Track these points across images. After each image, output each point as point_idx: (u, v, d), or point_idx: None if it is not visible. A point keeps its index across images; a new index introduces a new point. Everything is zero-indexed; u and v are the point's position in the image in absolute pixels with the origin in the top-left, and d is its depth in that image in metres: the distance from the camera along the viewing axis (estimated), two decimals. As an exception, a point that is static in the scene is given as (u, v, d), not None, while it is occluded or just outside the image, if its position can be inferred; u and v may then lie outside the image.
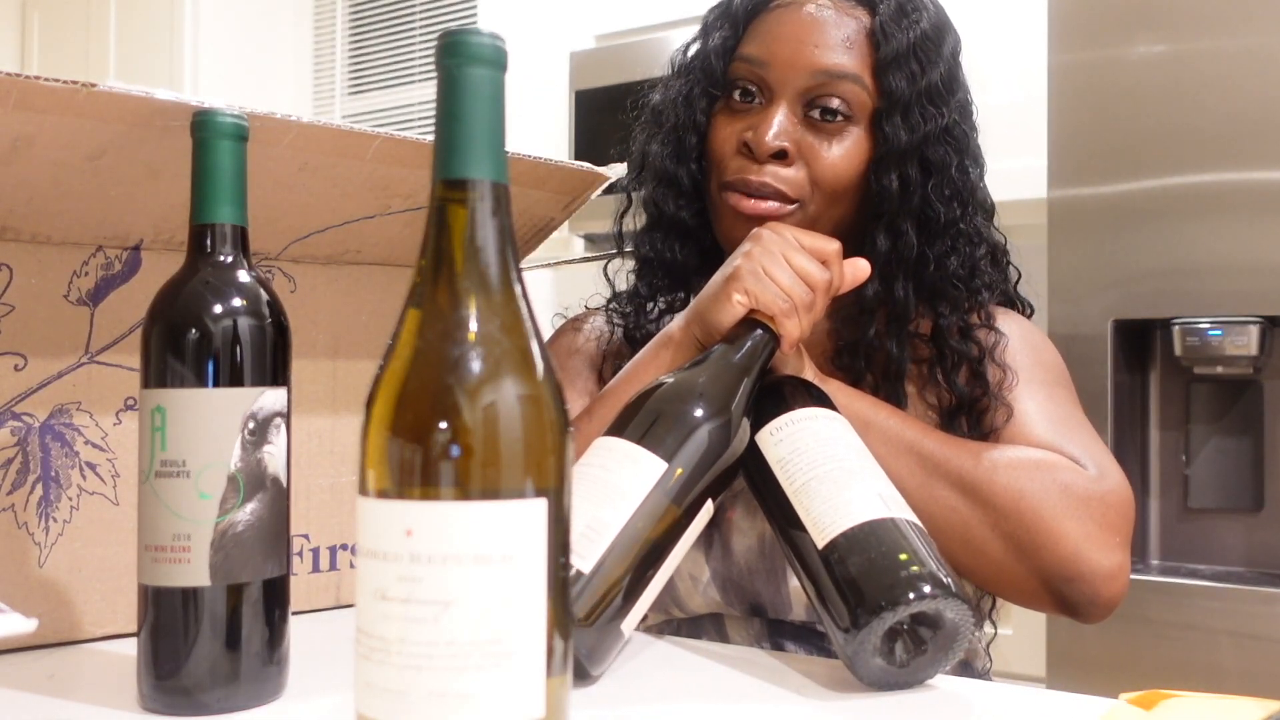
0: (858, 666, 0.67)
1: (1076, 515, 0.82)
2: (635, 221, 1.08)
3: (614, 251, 1.09)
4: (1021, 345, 0.97)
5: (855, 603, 0.66)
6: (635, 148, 1.05)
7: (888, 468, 0.77)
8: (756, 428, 0.76)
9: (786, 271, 0.82)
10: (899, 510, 0.70)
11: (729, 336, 0.81)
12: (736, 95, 0.95)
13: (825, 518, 0.69)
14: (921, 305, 0.96)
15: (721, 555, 0.90)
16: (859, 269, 0.88)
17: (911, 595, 0.65)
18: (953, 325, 0.95)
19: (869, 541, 0.67)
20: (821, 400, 0.78)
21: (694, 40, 1.02)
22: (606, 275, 1.08)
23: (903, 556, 0.66)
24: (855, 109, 0.92)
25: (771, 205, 0.92)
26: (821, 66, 0.92)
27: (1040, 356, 0.98)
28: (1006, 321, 0.99)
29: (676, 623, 0.96)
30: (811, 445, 0.73)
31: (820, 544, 0.68)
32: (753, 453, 0.75)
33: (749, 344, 0.79)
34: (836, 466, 0.72)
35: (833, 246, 0.85)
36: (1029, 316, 1.06)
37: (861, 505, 0.69)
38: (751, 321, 0.81)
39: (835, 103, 0.92)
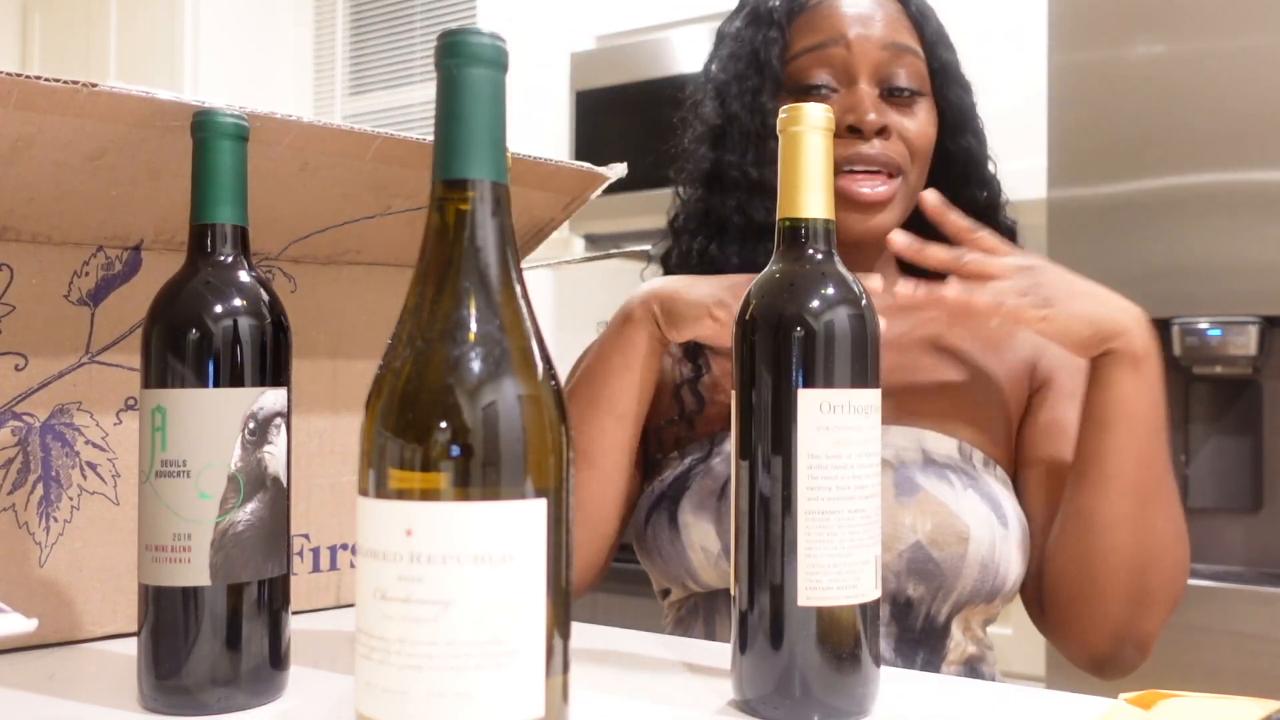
0: (751, 699, 0.64)
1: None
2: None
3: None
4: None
5: (807, 684, 0.62)
6: (692, 163, 1.05)
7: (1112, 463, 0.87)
8: (810, 365, 0.62)
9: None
10: (878, 584, 0.65)
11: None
12: (811, 90, 0.98)
13: (825, 575, 0.62)
14: None
15: (729, 528, 0.91)
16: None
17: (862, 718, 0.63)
18: None
19: (849, 626, 0.62)
20: (876, 371, 0.66)
21: (737, 54, 1.02)
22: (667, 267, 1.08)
23: (869, 670, 0.63)
24: (918, 82, 0.99)
25: (882, 190, 0.97)
26: (892, 39, 0.98)
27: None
28: None
29: (694, 598, 0.97)
30: (852, 460, 0.62)
31: (803, 599, 0.62)
32: (782, 392, 0.62)
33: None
34: (861, 508, 0.62)
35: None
36: None
37: (865, 580, 0.63)
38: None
39: (904, 78, 0.98)
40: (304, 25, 3.86)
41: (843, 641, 0.62)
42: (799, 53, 0.99)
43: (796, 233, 0.65)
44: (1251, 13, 1.59)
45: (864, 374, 0.63)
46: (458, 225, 0.48)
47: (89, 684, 0.72)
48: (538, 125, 2.83)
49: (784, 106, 0.67)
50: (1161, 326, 1.66)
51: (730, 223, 1.01)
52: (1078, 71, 1.70)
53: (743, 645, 0.64)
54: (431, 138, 0.50)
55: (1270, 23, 1.57)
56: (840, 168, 0.96)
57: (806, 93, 0.98)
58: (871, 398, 0.63)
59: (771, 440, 0.62)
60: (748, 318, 0.64)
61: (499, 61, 0.49)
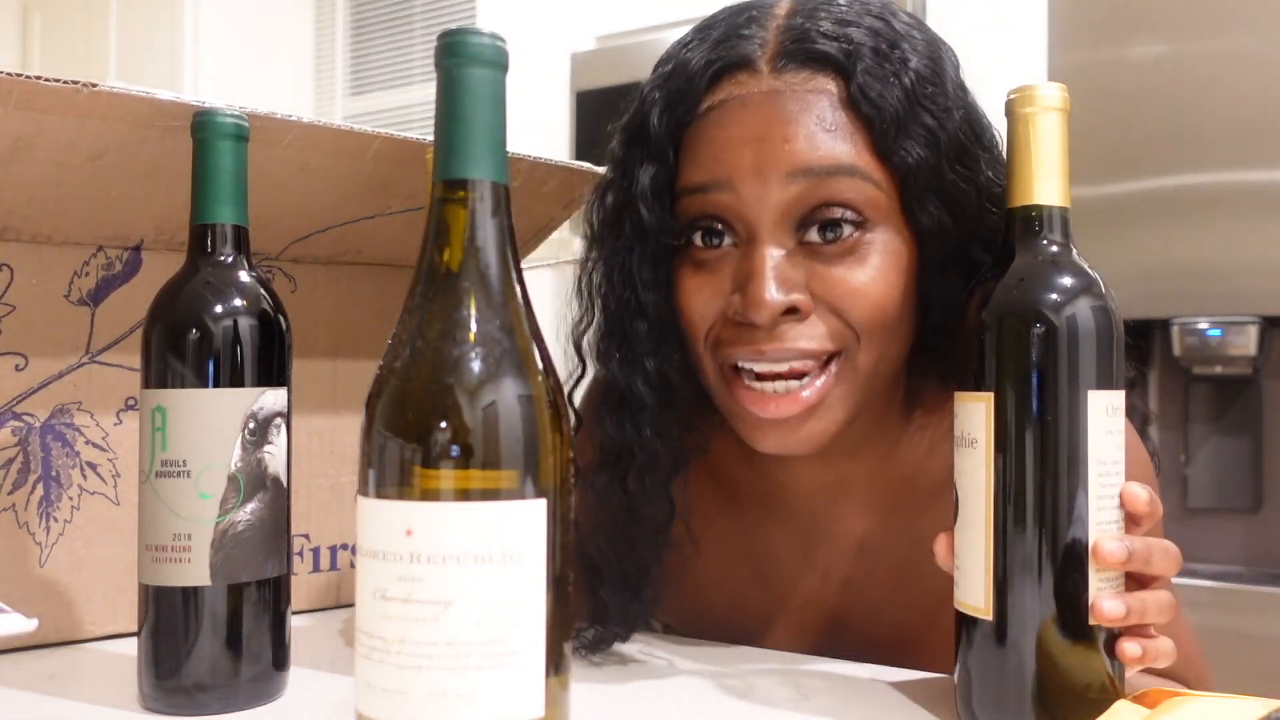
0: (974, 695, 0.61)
1: None
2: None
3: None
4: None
5: (1072, 706, 0.58)
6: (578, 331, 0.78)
7: None
8: (1099, 365, 0.58)
9: None
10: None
11: None
12: (698, 239, 0.71)
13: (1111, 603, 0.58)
14: None
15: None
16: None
17: None
18: None
19: (1109, 647, 0.59)
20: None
21: (610, 184, 0.76)
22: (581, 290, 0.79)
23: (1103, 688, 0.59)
24: (865, 209, 0.68)
25: (801, 399, 0.69)
26: (801, 164, 0.67)
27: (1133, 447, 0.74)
28: None
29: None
30: (1121, 467, 0.60)
31: (1097, 618, 0.58)
32: (1066, 395, 0.58)
33: None
34: (1122, 519, 0.60)
35: None
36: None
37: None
38: None
39: (836, 212, 0.67)
40: (304, 25, 3.86)
41: (1109, 660, 0.59)
42: (682, 191, 0.71)
43: (1031, 222, 0.60)
44: (1251, 13, 1.59)
45: (1121, 374, 0.61)
46: (458, 225, 0.48)
47: (89, 684, 0.72)
48: (538, 125, 2.83)
49: (1014, 87, 0.60)
50: (1161, 326, 1.66)
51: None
52: (1078, 71, 1.69)
53: (998, 669, 0.60)
54: (431, 138, 0.50)
55: (1270, 23, 1.57)
56: (734, 367, 0.71)
57: (694, 246, 0.71)
58: (1123, 400, 0.61)
59: (1057, 447, 0.58)
60: (1014, 314, 0.59)
61: (499, 61, 0.49)
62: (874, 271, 0.68)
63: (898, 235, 0.69)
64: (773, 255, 0.67)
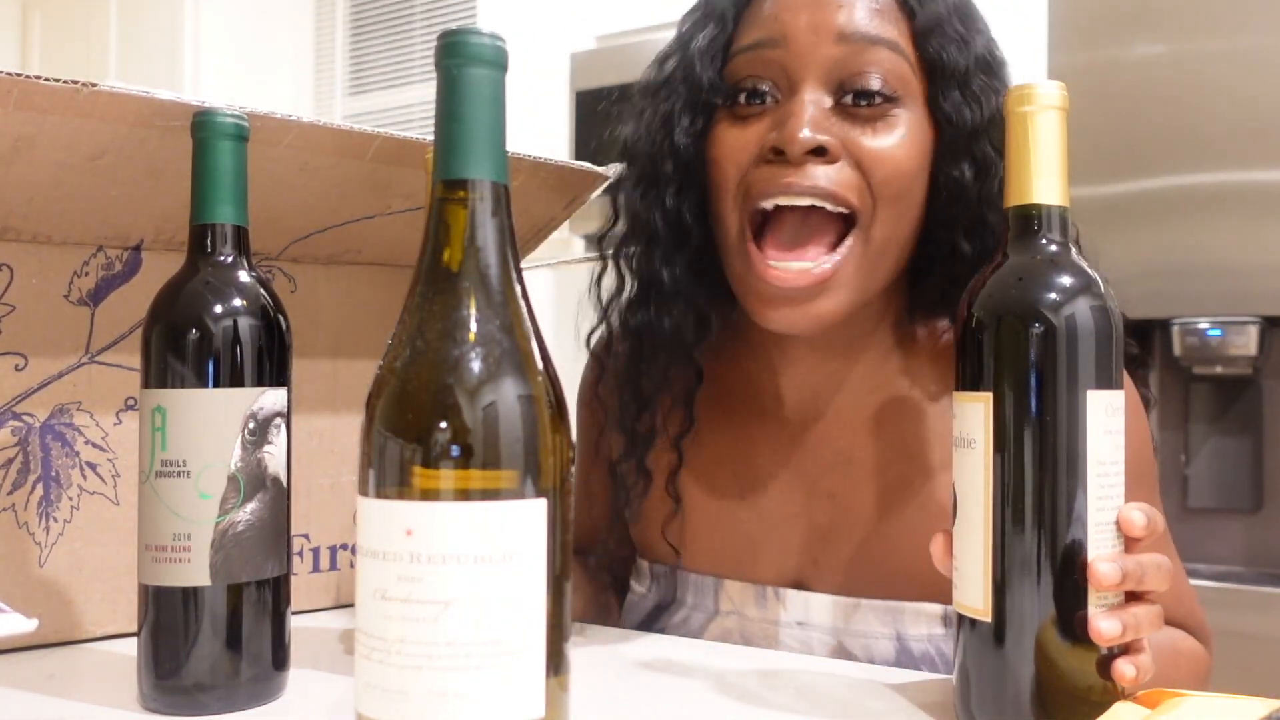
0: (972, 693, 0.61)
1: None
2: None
3: (599, 255, 0.93)
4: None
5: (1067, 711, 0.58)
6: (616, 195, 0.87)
7: None
8: (1099, 365, 0.59)
9: None
10: None
11: None
12: (743, 99, 0.77)
13: (1113, 595, 0.58)
14: None
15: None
16: None
17: None
18: None
19: (1109, 649, 0.59)
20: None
21: (670, 53, 0.83)
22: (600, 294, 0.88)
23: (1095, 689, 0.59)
24: (898, 86, 0.75)
25: (814, 273, 0.73)
26: (851, 30, 0.74)
27: (1140, 434, 0.80)
28: None
29: None
30: (1120, 467, 0.60)
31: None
32: (1066, 395, 0.58)
33: None
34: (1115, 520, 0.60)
35: None
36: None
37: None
38: None
39: (874, 80, 0.74)
40: (304, 25, 3.86)
41: (1106, 664, 0.59)
42: (736, 52, 0.78)
43: (1030, 221, 0.60)
44: (1251, 13, 1.59)
45: (1120, 374, 0.60)
46: (458, 225, 0.48)
47: (89, 684, 0.72)
48: (538, 125, 2.83)
49: (1012, 86, 0.61)
50: (1161, 327, 1.66)
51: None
52: (1078, 71, 1.69)
53: (997, 671, 0.59)
54: (431, 138, 0.50)
55: (1270, 23, 1.57)
56: (756, 205, 0.76)
57: (737, 104, 0.78)
58: (1123, 400, 0.60)
59: (1056, 448, 0.58)
60: (1012, 314, 0.59)
61: (499, 61, 0.49)
62: (898, 139, 0.75)
63: (923, 119, 0.76)
64: (812, 101, 0.74)
